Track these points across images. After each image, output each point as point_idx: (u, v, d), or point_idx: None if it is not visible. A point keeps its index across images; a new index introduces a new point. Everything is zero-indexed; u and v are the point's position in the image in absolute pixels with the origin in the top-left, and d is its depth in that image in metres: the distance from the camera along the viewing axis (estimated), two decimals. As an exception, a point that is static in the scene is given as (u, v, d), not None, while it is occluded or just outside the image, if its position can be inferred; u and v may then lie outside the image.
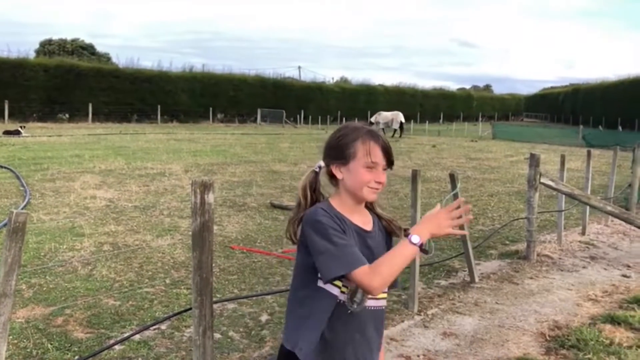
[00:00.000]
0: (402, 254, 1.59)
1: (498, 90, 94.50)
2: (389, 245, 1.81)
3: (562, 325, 4.03)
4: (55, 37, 52.32)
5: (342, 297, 1.71)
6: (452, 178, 4.78)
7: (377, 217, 1.83)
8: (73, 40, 52.54)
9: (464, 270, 5.47)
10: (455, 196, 4.91)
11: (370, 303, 1.72)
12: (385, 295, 1.78)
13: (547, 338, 3.80)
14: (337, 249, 1.59)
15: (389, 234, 1.82)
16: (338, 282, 1.70)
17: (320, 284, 1.68)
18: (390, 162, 1.72)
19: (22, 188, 8.92)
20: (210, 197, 2.74)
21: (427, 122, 46.44)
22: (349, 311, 1.70)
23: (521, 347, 3.69)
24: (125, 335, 3.64)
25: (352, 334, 1.72)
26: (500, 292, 4.91)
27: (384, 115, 33.15)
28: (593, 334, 3.72)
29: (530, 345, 3.73)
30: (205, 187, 2.72)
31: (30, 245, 5.60)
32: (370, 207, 1.82)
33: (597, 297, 4.75)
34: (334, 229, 1.62)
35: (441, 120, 56.72)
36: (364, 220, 1.77)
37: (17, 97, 30.95)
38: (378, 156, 1.69)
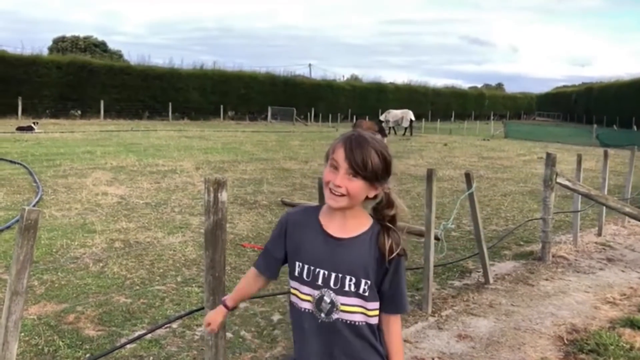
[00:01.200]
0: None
1: (510, 88, 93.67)
2: (379, 262, 1.66)
3: (580, 329, 3.95)
4: (68, 34, 52.77)
5: (309, 306, 1.68)
6: (468, 177, 4.70)
7: (382, 228, 1.68)
8: (86, 38, 52.95)
9: (478, 271, 5.39)
10: (471, 196, 4.86)
11: (343, 316, 1.65)
12: (360, 309, 1.66)
13: (565, 342, 3.72)
14: (264, 247, 1.83)
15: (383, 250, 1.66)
16: (293, 290, 1.73)
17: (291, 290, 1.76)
18: (355, 170, 1.58)
19: (34, 184, 8.95)
20: (223, 195, 2.69)
21: (439, 120, 46.18)
22: (320, 321, 1.67)
23: (538, 350, 3.61)
24: (138, 334, 3.61)
25: (330, 349, 1.66)
26: (516, 294, 4.83)
27: (394, 114, 32.97)
28: (613, 338, 3.64)
29: (547, 349, 3.65)
30: (219, 185, 2.67)
31: (42, 242, 5.61)
32: (383, 219, 1.69)
33: (615, 300, 4.65)
34: (273, 234, 1.80)
35: (452, 119, 56.41)
36: (345, 227, 1.67)
37: (30, 93, 31.23)
38: (339, 156, 1.61)
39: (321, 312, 1.66)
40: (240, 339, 3.71)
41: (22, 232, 2.04)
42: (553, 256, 5.96)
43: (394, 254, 1.65)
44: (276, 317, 4.10)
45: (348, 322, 1.66)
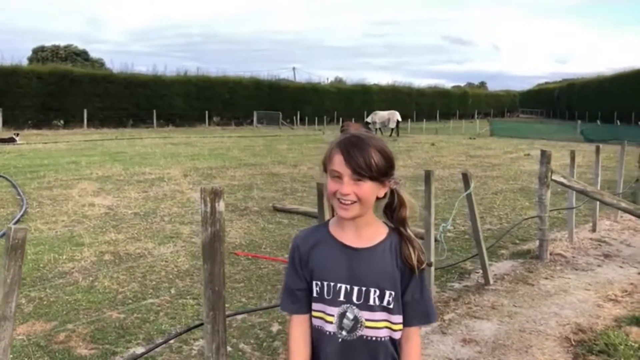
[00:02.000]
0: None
1: (492, 87, 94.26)
2: (404, 273, 1.56)
3: (585, 329, 3.88)
4: (47, 43, 52.10)
5: (330, 328, 1.56)
6: (465, 177, 4.63)
7: (401, 238, 1.58)
8: (66, 47, 52.33)
9: (477, 272, 5.31)
10: (469, 196, 4.78)
11: (367, 333, 1.54)
12: (385, 323, 1.56)
13: (573, 343, 3.64)
14: (284, 284, 1.66)
15: (407, 261, 1.56)
16: (317, 313, 1.60)
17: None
18: (359, 173, 1.47)
19: (18, 197, 8.72)
20: (221, 206, 2.57)
21: (424, 120, 46.34)
22: (340, 340, 1.55)
23: (546, 353, 3.53)
24: (132, 352, 3.47)
25: None
26: (516, 294, 4.75)
27: (380, 115, 33.01)
28: (621, 337, 3.57)
29: (555, 351, 3.57)
30: (216, 194, 2.55)
31: (28, 257, 5.41)
32: (398, 225, 1.59)
33: (617, 297, 4.60)
34: (287, 267, 1.64)
35: (437, 119, 56.66)
36: (360, 236, 1.57)
37: (11, 104, 30.73)
38: (337, 164, 1.49)
39: (342, 330, 1.55)
40: (240, 352, 3.58)
41: (8, 252, 1.91)
42: (550, 254, 5.90)
43: (424, 265, 1.56)
44: (275, 327, 3.98)
45: (373, 338, 1.55)
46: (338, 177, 1.50)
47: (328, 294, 1.56)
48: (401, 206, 1.59)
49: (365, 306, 1.54)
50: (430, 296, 1.63)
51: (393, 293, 1.54)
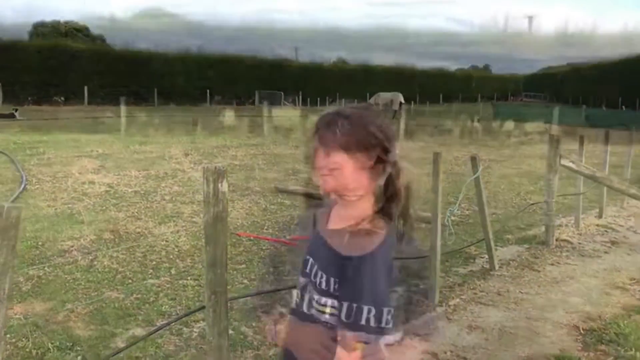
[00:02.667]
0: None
1: (496, 70, 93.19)
2: (341, 260, 1.43)
3: (594, 317, 3.80)
4: (48, 19, 51.57)
5: (294, 298, 1.56)
6: (474, 161, 4.51)
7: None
8: (67, 23, 51.71)
9: (482, 257, 5.23)
10: (477, 180, 4.68)
11: (315, 313, 1.46)
12: (332, 310, 1.42)
13: (582, 331, 3.57)
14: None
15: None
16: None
17: None
18: (324, 144, 1.38)
19: (17, 173, 8.62)
20: (224, 186, 2.48)
21: (428, 102, 45.97)
22: (297, 312, 1.53)
23: (555, 341, 3.46)
24: (132, 334, 3.40)
25: (301, 344, 1.51)
26: (522, 280, 4.67)
27: (384, 97, 32.68)
28: (631, 327, 3.49)
29: (564, 339, 3.49)
30: (219, 174, 2.45)
31: (27, 234, 5.33)
32: (392, 196, 1.43)
33: (626, 285, 4.52)
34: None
35: (441, 101, 56.21)
36: (340, 217, 1.48)
37: (11, 80, 30.41)
38: (314, 142, 1.43)
39: (303, 302, 1.50)
40: (242, 336, 3.51)
41: (1, 232, 1.81)
42: (556, 240, 5.81)
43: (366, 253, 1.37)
44: (277, 310, 3.90)
45: (318, 320, 1.46)
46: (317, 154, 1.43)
47: (305, 266, 1.52)
48: (394, 197, 1.42)
49: (314, 286, 1.47)
50: (367, 299, 1.36)
51: (339, 281, 1.41)
